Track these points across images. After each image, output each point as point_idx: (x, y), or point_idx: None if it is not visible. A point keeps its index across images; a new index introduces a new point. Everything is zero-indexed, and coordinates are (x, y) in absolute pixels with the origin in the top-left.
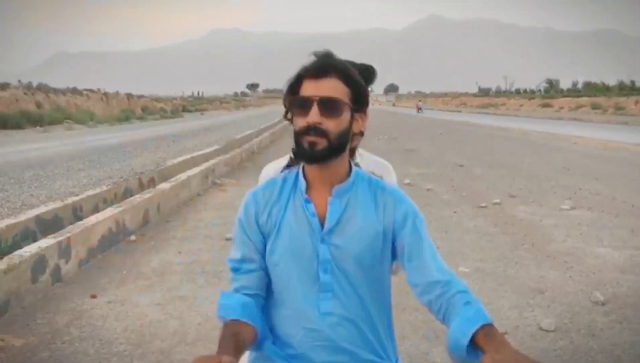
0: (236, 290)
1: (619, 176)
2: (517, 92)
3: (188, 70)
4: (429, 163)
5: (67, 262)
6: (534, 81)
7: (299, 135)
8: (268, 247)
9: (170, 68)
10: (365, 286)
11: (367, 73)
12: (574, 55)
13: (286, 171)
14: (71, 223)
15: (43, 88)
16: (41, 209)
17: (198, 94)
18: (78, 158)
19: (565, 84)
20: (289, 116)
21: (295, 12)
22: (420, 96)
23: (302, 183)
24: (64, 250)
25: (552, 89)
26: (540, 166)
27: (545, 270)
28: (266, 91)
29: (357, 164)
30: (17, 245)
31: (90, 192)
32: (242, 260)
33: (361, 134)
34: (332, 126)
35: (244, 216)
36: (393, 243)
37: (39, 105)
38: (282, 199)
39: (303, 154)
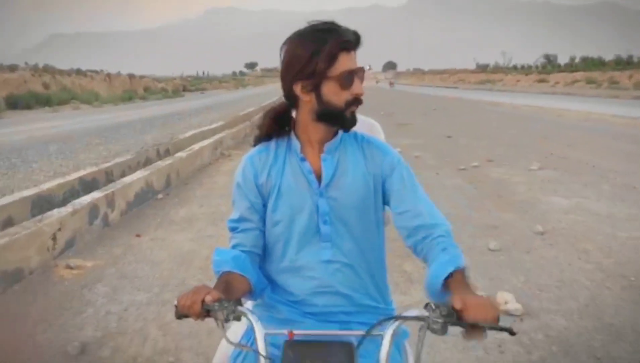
0: (232, 247)
1: (591, 143)
2: (515, 68)
3: (185, 50)
4: (420, 135)
5: (112, 211)
6: (533, 56)
7: (342, 108)
8: (269, 206)
9: (167, 48)
10: (361, 234)
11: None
12: (573, 29)
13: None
14: (104, 185)
15: (49, 69)
16: (81, 173)
17: (203, 73)
18: (93, 135)
19: (563, 59)
20: (301, 89)
21: None
22: (418, 72)
23: (296, 143)
24: (110, 202)
25: (549, 65)
26: (521, 136)
27: (502, 213)
28: (264, 70)
29: None
30: (67, 200)
31: (119, 159)
32: (240, 220)
33: None
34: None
35: (242, 179)
36: (383, 192)
37: (46, 86)
38: (279, 160)
39: (346, 124)
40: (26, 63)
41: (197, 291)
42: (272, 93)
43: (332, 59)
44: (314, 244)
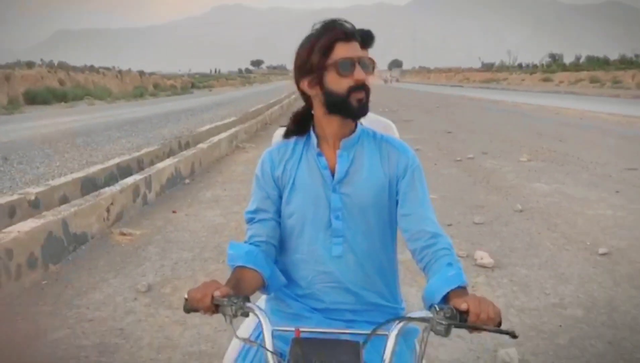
0: (248, 239)
1: (581, 139)
2: (520, 67)
3: (192, 47)
4: (422, 130)
5: (149, 192)
6: (538, 55)
7: (344, 95)
8: (284, 199)
9: (174, 45)
10: (374, 232)
11: (369, 37)
12: (580, 28)
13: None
14: (137, 171)
15: (64, 66)
16: (116, 160)
17: (211, 71)
18: (114, 128)
19: (569, 58)
20: (308, 84)
21: None
22: (424, 71)
23: (313, 138)
24: (148, 184)
25: (554, 64)
26: (517, 132)
27: (490, 196)
28: (270, 68)
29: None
30: (107, 183)
31: (147, 149)
32: (257, 211)
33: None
34: (369, 80)
35: (260, 172)
36: (396, 192)
37: (61, 82)
38: (296, 154)
39: (353, 112)
40: (42, 60)
41: (208, 286)
42: (278, 90)
43: (327, 50)
44: (325, 239)
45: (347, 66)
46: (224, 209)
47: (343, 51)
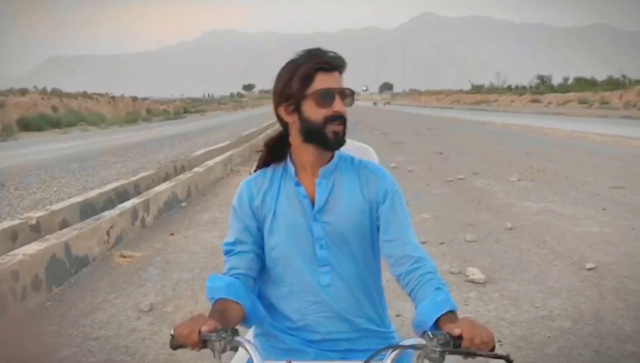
0: (227, 271)
1: (569, 159)
2: (509, 88)
3: (184, 72)
4: (413, 152)
5: (148, 215)
6: (527, 76)
7: (321, 125)
8: (265, 231)
9: (165, 71)
10: (359, 257)
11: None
12: (567, 50)
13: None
14: (134, 195)
15: (57, 92)
16: (114, 185)
17: (204, 96)
18: (108, 154)
19: (557, 80)
20: (285, 111)
21: (289, 13)
22: (415, 93)
23: (291, 168)
24: (146, 207)
25: (542, 85)
26: (507, 152)
27: (480, 214)
28: (262, 92)
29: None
30: (105, 206)
31: (144, 174)
32: (235, 243)
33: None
34: (346, 113)
35: (237, 203)
36: (377, 217)
37: (54, 109)
38: (274, 185)
39: (328, 143)
40: (35, 87)
41: (195, 321)
42: (271, 114)
43: (307, 79)
44: (313, 269)
45: (327, 97)
46: (221, 232)
47: (324, 81)
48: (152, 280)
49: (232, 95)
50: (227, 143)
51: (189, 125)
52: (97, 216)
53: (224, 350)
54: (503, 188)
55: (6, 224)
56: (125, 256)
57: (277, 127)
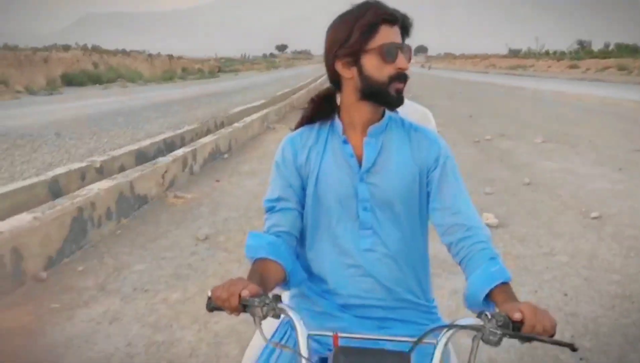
0: (268, 229)
1: (597, 124)
2: (547, 53)
3: (216, 30)
4: (444, 115)
5: (195, 163)
6: (567, 42)
7: (384, 83)
8: (309, 189)
9: (198, 29)
10: (404, 224)
11: (410, 26)
12: (609, 15)
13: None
14: (179, 147)
15: (98, 49)
16: (161, 136)
17: (242, 56)
18: (151, 110)
19: (597, 46)
20: (342, 65)
21: None
22: (450, 57)
23: (339, 125)
24: (194, 156)
25: (582, 51)
26: (536, 116)
27: (502, 172)
28: (295, 52)
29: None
30: (156, 155)
31: (188, 127)
32: (278, 199)
33: None
34: (408, 71)
35: (281, 159)
36: (427, 183)
37: (95, 65)
38: (320, 142)
39: (391, 102)
40: (76, 43)
41: (234, 283)
42: (303, 75)
43: (371, 30)
44: (354, 231)
45: (392, 52)
46: (261, 179)
47: (388, 35)
48: (204, 216)
49: (264, 55)
50: (262, 101)
51: (224, 84)
52: (154, 161)
53: (265, 317)
54: (527, 149)
55: (76, 165)
56: (178, 197)
57: (312, 88)
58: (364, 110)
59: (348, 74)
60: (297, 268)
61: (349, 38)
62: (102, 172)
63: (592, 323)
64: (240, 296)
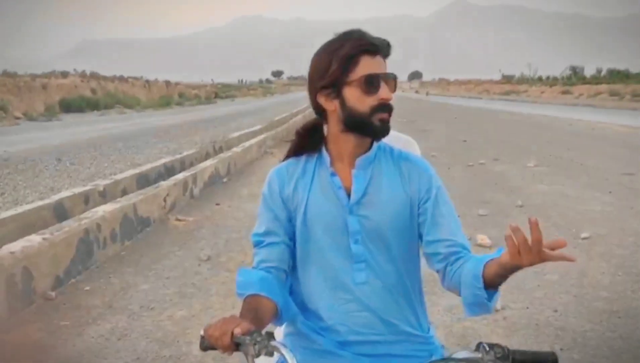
0: (257, 264)
1: (588, 148)
2: (540, 79)
3: (213, 57)
4: (438, 139)
5: (195, 187)
6: (559, 68)
7: (367, 115)
8: (297, 223)
9: (195, 56)
10: (397, 255)
11: (389, 48)
12: (602, 42)
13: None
14: (179, 171)
15: (95, 76)
16: (163, 160)
17: (240, 81)
18: (149, 135)
19: (590, 71)
20: (325, 98)
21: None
22: (443, 82)
23: (326, 156)
24: (194, 180)
25: (574, 76)
26: (529, 141)
27: (495, 195)
28: (291, 78)
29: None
30: (156, 179)
31: (188, 152)
32: (266, 234)
33: None
34: (391, 101)
35: (267, 191)
36: (418, 215)
37: (93, 91)
38: (307, 174)
39: (375, 132)
40: (75, 70)
41: (227, 322)
42: (299, 101)
43: (351, 62)
44: (346, 265)
45: (374, 83)
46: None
47: (369, 65)
48: (205, 238)
49: (260, 81)
50: (259, 126)
51: (221, 109)
52: (156, 185)
53: (258, 355)
54: (520, 173)
55: (80, 189)
56: (180, 220)
57: (308, 113)
58: (350, 141)
59: (330, 106)
60: (289, 303)
61: (328, 70)
62: (105, 196)
63: (580, 337)
64: (232, 334)
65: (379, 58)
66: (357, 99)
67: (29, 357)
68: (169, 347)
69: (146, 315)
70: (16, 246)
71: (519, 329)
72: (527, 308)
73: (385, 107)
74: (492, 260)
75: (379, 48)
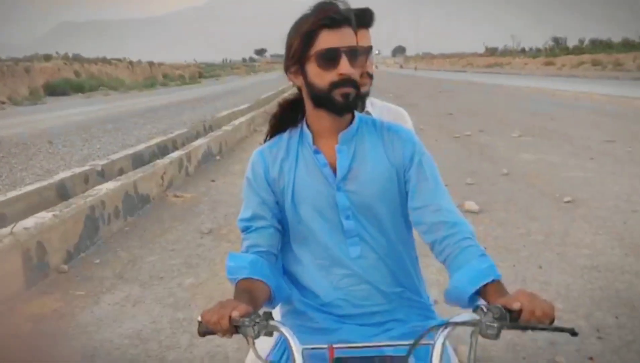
0: (247, 249)
1: (571, 117)
2: (524, 51)
3: (193, 37)
4: (425, 113)
5: (190, 165)
6: (542, 39)
7: (326, 90)
8: (286, 205)
9: (175, 35)
10: (389, 226)
11: (367, 16)
12: (584, 12)
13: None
14: (172, 150)
15: (79, 58)
16: (157, 140)
17: (224, 61)
18: (137, 116)
19: (572, 42)
20: (293, 75)
21: None
22: (428, 56)
23: (307, 134)
24: (189, 158)
25: (557, 47)
26: (513, 112)
27: (481, 164)
28: (274, 56)
29: (368, 113)
30: (151, 159)
31: (178, 132)
32: (253, 218)
33: (370, 77)
34: (356, 74)
35: (252, 175)
36: (404, 183)
37: (77, 74)
38: (291, 154)
39: (336, 107)
40: (57, 52)
41: (224, 305)
42: (284, 78)
43: (309, 38)
44: (340, 241)
45: (330, 58)
46: None
47: (328, 39)
48: (204, 213)
49: (244, 60)
50: (247, 105)
51: (206, 89)
52: (152, 163)
53: (257, 336)
54: (505, 143)
55: (79, 169)
56: (178, 196)
57: (294, 91)
58: (324, 117)
59: (298, 82)
60: (282, 284)
61: (292, 46)
62: (103, 175)
63: (563, 289)
64: (230, 317)
65: (343, 30)
66: (316, 75)
67: (51, 324)
68: (182, 310)
69: (157, 284)
70: (29, 222)
71: (507, 284)
72: (514, 266)
73: (346, 82)
74: (495, 291)
75: (341, 21)
